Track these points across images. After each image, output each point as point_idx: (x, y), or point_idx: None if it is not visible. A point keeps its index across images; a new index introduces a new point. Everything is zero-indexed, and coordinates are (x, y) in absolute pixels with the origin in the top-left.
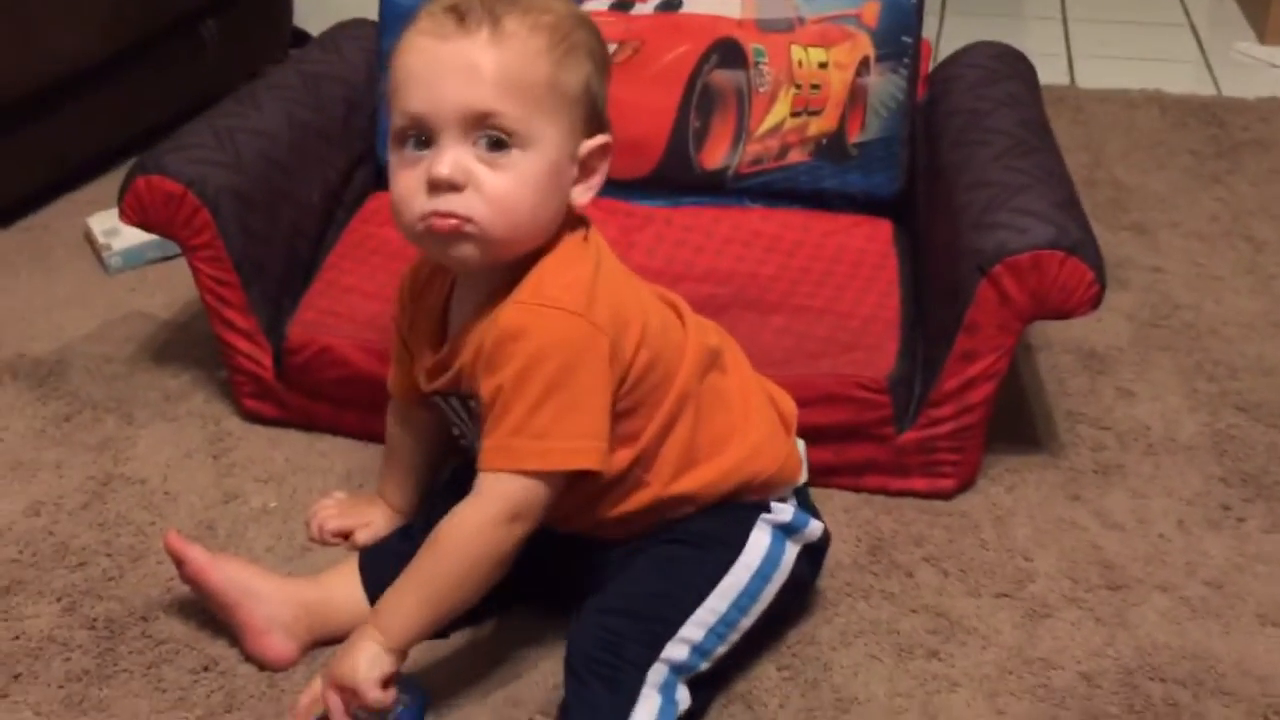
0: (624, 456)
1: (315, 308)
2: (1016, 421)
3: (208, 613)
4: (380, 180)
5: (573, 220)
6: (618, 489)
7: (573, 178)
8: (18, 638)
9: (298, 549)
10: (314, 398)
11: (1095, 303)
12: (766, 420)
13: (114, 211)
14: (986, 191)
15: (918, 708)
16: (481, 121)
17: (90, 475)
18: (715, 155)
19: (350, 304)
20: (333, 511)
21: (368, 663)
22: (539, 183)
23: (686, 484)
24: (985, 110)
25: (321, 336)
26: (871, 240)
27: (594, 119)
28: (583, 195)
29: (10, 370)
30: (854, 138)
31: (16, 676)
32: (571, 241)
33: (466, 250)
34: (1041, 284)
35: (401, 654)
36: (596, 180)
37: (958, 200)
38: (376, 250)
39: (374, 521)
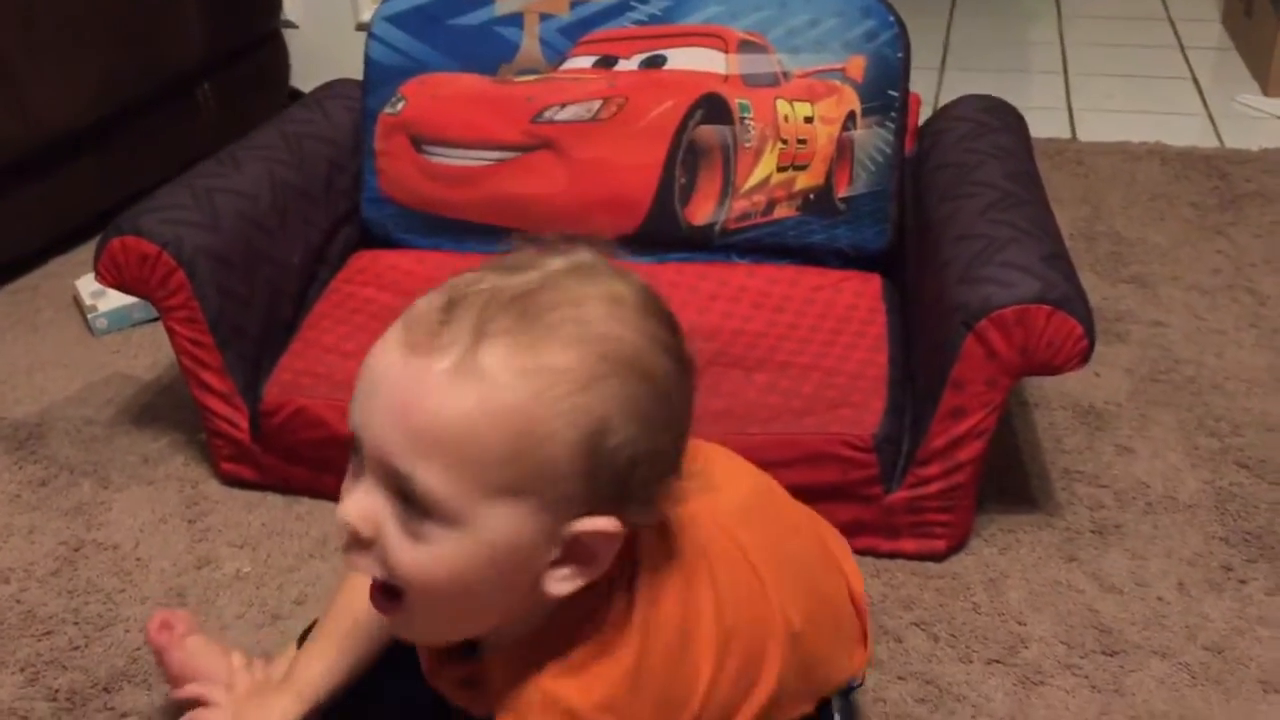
0: None
1: (292, 369)
2: (1011, 480)
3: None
4: (364, 239)
5: (607, 610)
6: None
7: (548, 560)
8: None
9: (268, 616)
10: (291, 460)
11: (1084, 358)
12: (859, 640)
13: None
14: (973, 245)
15: None
16: (396, 478)
17: (62, 541)
18: (702, 211)
19: (329, 364)
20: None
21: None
22: (467, 570)
23: None
24: (973, 163)
25: (298, 398)
26: (860, 296)
27: (612, 493)
28: (559, 584)
29: None
30: (841, 192)
31: None
32: (602, 636)
33: (403, 631)
34: (1028, 339)
35: None
36: (588, 569)
37: (944, 254)
38: (358, 310)
39: None
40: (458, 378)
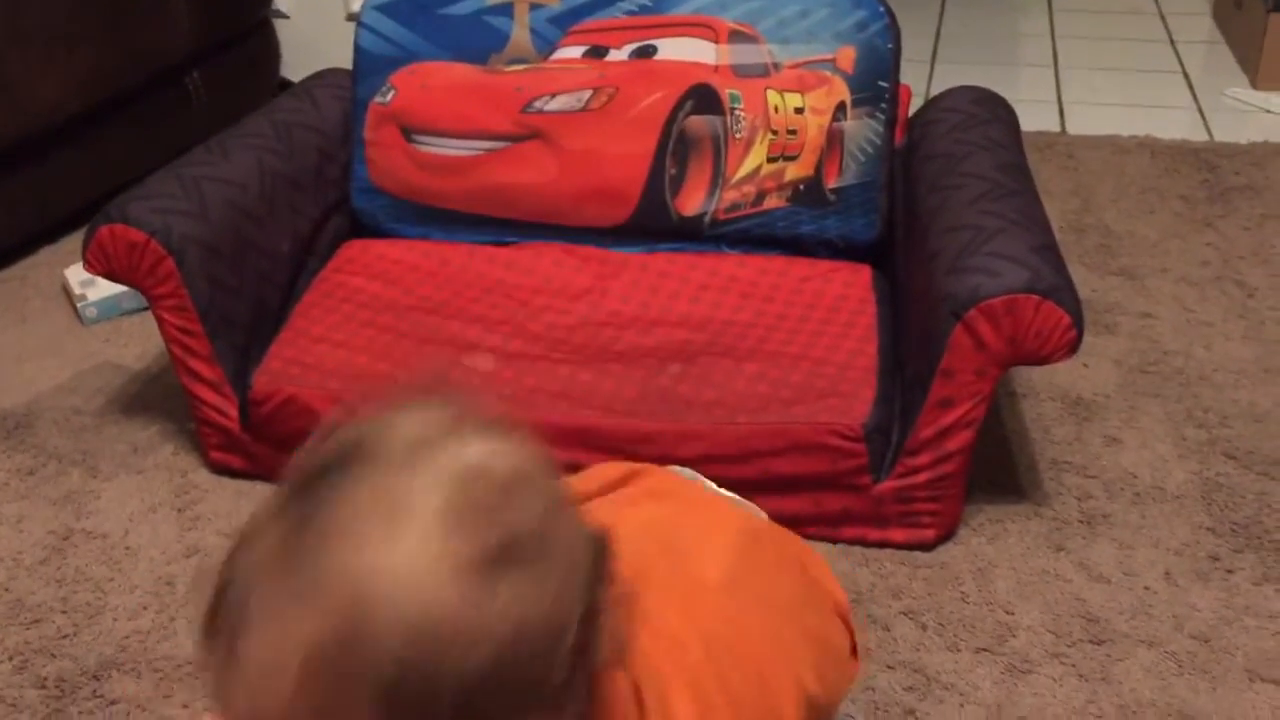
0: None
1: (281, 357)
2: (1000, 470)
3: (161, 673)
4: (355, 229)
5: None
6: None
7: None
8: None
9: None
10: (281, 449)
11: (1073, 348)
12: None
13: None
14: (962, 236)
15: None
16: None
17: (51, 530)
18: (692, 202)
19: (318, 353)
20: None
21: None
22: None
23: None
24: (963, 154)
25: (287, 386)
26: (850, 286)
27: None
28: None
29: None
30: (831, 183)
31: None
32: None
33: None
34: (1017, 329)
35: None
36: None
37: (933, 245)
38: (347, 299)
39: None
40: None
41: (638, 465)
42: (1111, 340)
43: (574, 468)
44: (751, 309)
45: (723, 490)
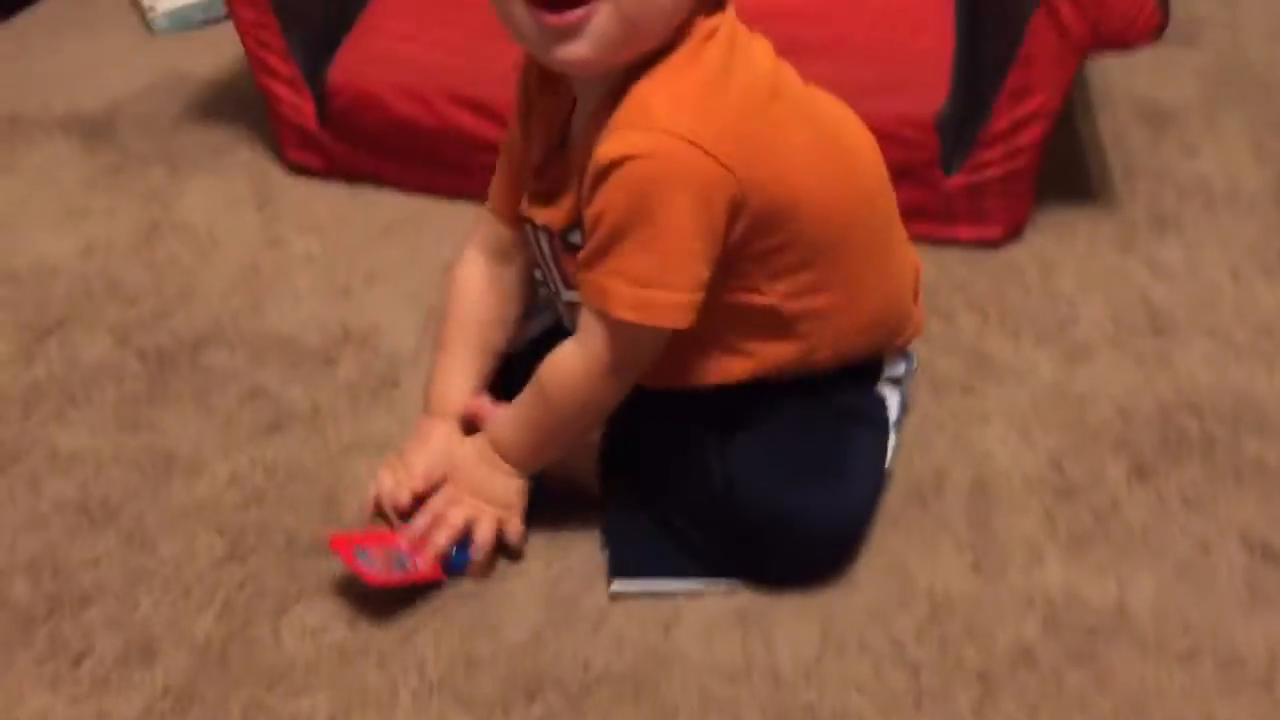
0: (766, 300)
1: (356, 51)
2: (1071, 175)
3: (253, 346)
4: None
5: (701, 22)
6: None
7: None
8: (73, 366)
9: (339, 291)
10: (356, 146)
11: (1158, 31)
12: (913, 273)
13: None
14: None
15: (947, 439)
16: None
17: (140, 221)
18: None
19: (391, 48)
20: (400, 480)
21: (519, 494)
22: None
23: (849, 344)
24: None
25: (362, 80)
26: None
27: None
28: None
29: (61, 125)
30: None
31: (72, 399)
32: (691, 43)
33: (578, 51)
34: (1101, 11)
35: None
36: None
37: None
38: None
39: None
40: None
41: None
42: (1194, 52)
43: None
44: (825, 4)
45: None
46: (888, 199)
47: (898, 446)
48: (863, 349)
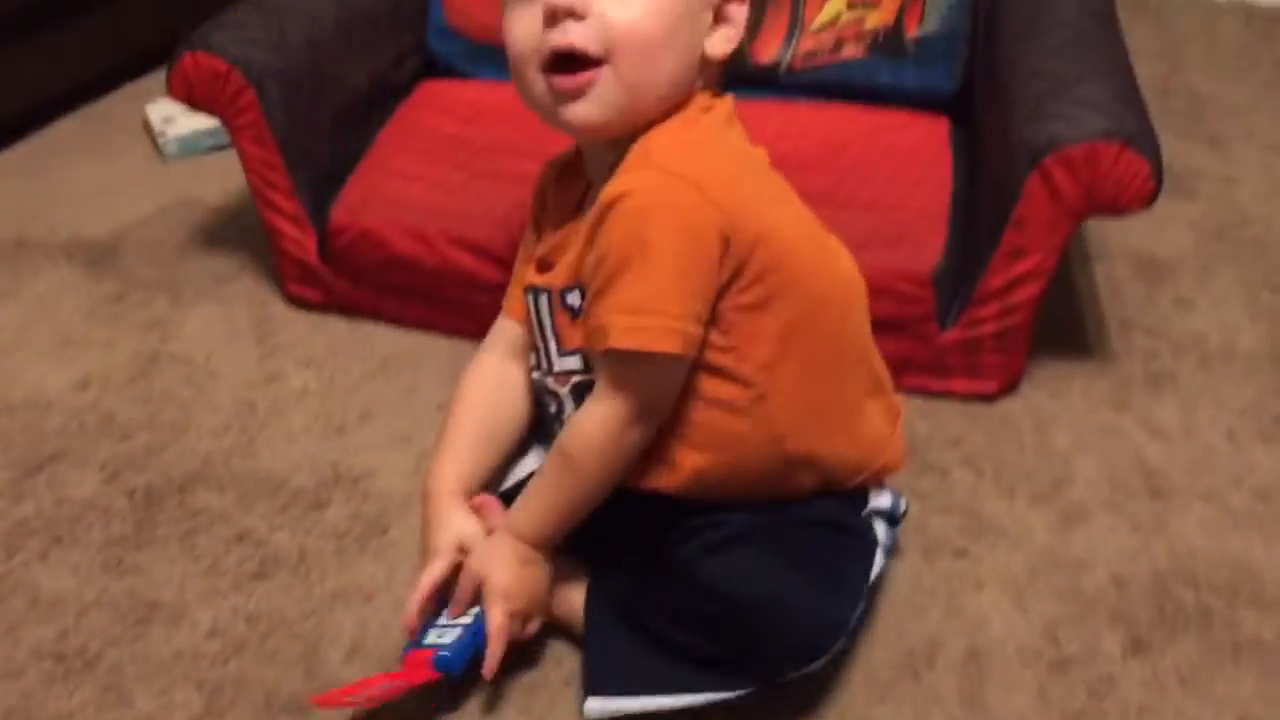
0: (749, 366)
1: (359, 191)
2: (1067, 328)
3: (243, 488)
4: (430, 69)
5: (701, 97)
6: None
7: (708, 24)
8: (61, 503)
9: (334, 429)
10: (356, 282)
11: (1150, 199)
12: (891, 407)
13: (172, 100)
14: (1043, 83)
15: (941, 605)
16: None
17: (138, 352)
18: (769, 49)
19: (394, 188)
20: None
21: (545, 580)
22: (672, 16)
23: (816, 444)
24: (1048, 2)
25: (364, 219)
26: (927, 137)
27: None
28: (721, 44)
29: (65, 251)
30: (912, 33)
31: (58, 539)
32: (691, 111)
33: (584, 111)
34: (1095, 177)
35: None
36: (734, 31)
37: (1013, 93)
38: (424, 137)
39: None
40: None
41: None
42: (1190, 205)
43: None
44: (825, 158)
45: None
46: (863, 316)
47: (885, 569)
48: (836, 461)
